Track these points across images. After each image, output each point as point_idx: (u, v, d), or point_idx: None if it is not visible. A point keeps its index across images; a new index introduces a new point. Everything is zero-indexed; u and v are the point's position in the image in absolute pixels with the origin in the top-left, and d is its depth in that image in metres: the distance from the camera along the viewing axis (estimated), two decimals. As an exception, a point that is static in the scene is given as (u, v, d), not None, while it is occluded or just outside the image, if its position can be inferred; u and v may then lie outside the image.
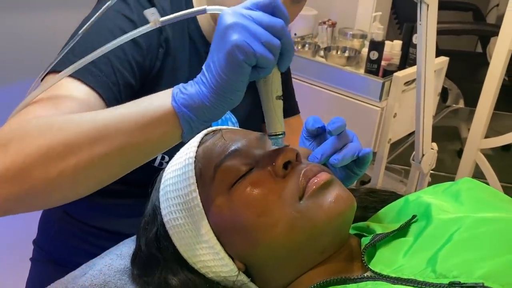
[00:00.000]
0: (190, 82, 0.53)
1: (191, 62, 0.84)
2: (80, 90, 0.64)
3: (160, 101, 0.52)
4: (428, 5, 0.93)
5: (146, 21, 0.55)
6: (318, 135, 0.69)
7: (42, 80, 0.64)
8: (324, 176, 0.55)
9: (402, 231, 0.58)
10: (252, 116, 0.94)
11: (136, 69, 0.73)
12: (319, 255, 0.56)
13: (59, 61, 0.64)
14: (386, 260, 0.54)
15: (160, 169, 0.68)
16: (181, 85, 0.53)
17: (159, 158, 0.81)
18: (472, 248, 0.48)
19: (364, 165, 0.66)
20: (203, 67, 0.52)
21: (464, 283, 0.44)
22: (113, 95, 0.69)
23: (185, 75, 0.83)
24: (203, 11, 0.54)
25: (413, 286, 0.48)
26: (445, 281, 0.45)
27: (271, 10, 0.50)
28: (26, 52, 1.32)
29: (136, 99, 0.55)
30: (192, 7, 0.83)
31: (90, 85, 0.65)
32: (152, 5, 0.78)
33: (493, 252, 0.46)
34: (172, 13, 0.78)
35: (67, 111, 0.61)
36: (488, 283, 0.43)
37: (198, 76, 0.52)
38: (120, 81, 0.70)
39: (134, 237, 0.71)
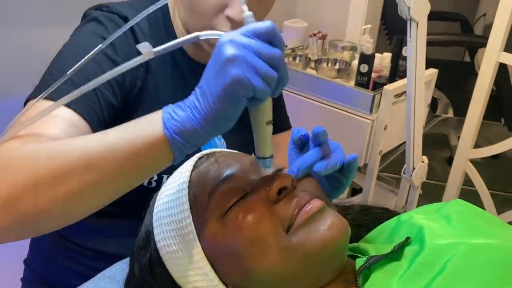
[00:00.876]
0: (180, 105, 0.52)
1: (174, 80, 0.83)
2: (62, 113, 0.64)
3: (150, 127, 0.52)
4: (417, 23, 0.94)
5: (124, 41, 0.54)
6: (304, 145, 0.68)
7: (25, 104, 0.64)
8: (315, 203, 0.55)
9: (395, 254, 0.59)
10: (237, 131, 0.94)
11: (116, 89, 0.73)
12: (316, 283, 0.56)
13: (41, 86, 0.64)
14: (380, 284, 0.55)
15: (149, 188, 0.68)
16: (170, 109, 0.52)
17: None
18: (465, 280, 0.48)
19: (350, 174, 0.66)
20: (197, 89, 0.51)
21: None
22: (96, 115, 0.69)
23: (169, 93, 0.82)
24: (196, 38, 0.53)
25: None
26: None
27: (269, 38, 0.50)
28: (15, 67, 1.32)
29: (124, 123, 0.54)
30: (171, 24, 0.83)
31: (72, 107, 0.65)
32: (133, 33, 0.77)
33: (487, 283, 0.46)
34: (151, 31, 0.79)
35: (54, 132, 0.61)
36: None
37: (191, 99, 0.51)
38: (102, 101, 0.70)
39: (127, 259, 0.71)
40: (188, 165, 0.63)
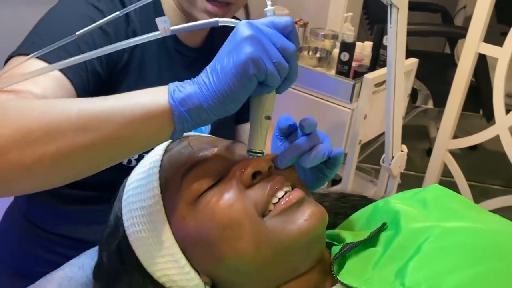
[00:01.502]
0: (188, 81, 0.51)
1: (160, 57, 0.83)
2: (50, 73, 0.63)
3: (155, 96, 0.50)
4: (398, 8, 0.93)
5: (113, 12, 0.53)
6: (290, 134, 0.67)
7: (6, 63, 0.63)
8: (296, 194, 0.54)
9: (371, 240, 0.58)
10: (224, 122, 0.93)
11: (103, 59, 0.72)
12: (292, 271, 0.55)
13: (26, 44, 0.63)
14: (355, 272, 0.54)
15: (128, 167, 0.66)
16: (177, 83, 0.51)
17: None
18: (440, 260, 0.48)
19: (335, 167, 0.65)
20: (207, 68, 0.50)
21: None
22: (82, 81, 0.68)
23: (154, 70, 0.81)
24: (216, 23, 0.53)
25: (382, 300, 0.47)
26: None
27: (286, 32, 0.51)
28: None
29: (120, 93, 0.52)
30: (161, 7, 0.83)
31: (62, 71, 0.64)
32: (123, 4, 0.78)
33: (461, 264, 0.46)
34: (141, 13, 0.78)
35: (43, 90, 0.60)
36: None
37: (200, 76, 0.50)
38: (89, 68, 0.69)
39: (96, 248, 0.68)
40: (159, 149, 0.61)
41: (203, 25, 0.53)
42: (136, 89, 0.52)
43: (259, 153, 0.57)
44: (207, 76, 0.50)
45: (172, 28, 0.51)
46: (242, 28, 0.49)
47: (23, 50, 0.66)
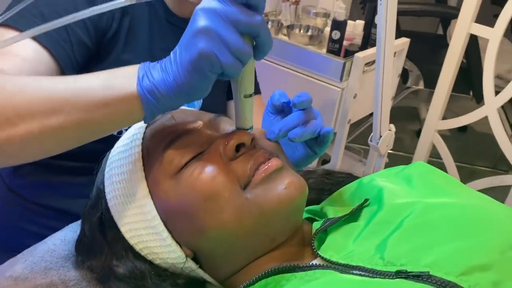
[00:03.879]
0: (157, 65, 0.50)
1: (151, 28, 0.81)
2: (28, 47, 0.61)
3: (124, 81, 0.49)
4: (388, -15, 0.92)
5: None
6: (283, 110, 0.67)
7: None
8: (274, 162, 0.54)
9: (354, 216, 0.58)
10: (215, 95, 0.92)
11: (90, 28, 0.70)
12: (270, 242, 0.55)
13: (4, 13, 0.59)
14: (336, 246, 0.54)
15: (118, 137, 0.65)
16: (147, 67, 0.50)
17: None
18: (421, 235, 0.48)
19: (325, 144, 0.65)
20: (172, 53, 0.49)
21: (410, 272, 0.43)
22: (66, 53, 0.66)
23: (144, 39, 0.80)
24: None
25: (361, 273, 0.47)
26: (393, 269, 0.45)
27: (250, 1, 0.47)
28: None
29: (96, 72, 0.51)
30: None
31: (38, 40, 0.62)
32: None
33: (441, 239, 0.46)
34: None
35: (14, 69, 0.58)
36: (434, 271, 0.42)
37: (165, 62, 0.49)
38: (73, 39, 0.67)
39: (79, 222, 0.68)
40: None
41: None
42: (126, 58, 0.50)
43: (247, 129, 0.57)
44: (170, 64, 0.49)
45: None
46: (197, 17, 0.46)
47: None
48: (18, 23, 0.55)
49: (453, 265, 0.42)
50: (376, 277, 0.46)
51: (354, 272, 0.48)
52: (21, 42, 0.59)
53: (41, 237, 0.71)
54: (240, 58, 0.48)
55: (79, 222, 0.71)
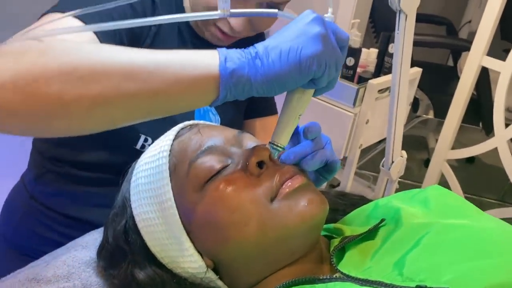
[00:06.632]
0: (238, 51, 0.51)
1: (179, 47, 0.83)
2: (86, 33, 0.63)
3: (205, 59, 0.50)
4: (406, 15, 0.95)
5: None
6: (292, 135, 0.69)
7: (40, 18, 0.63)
8: (299, 179, 0.56)
9: (370, 234, 0.59)
10: (235, 114, 0.95)
11: (130, 34, 0.73)
12: (289, 256, 0.57)
13: (62, 4, 0.62)
14: (354, 262, 0.55)
15: (141, 152, 0.67)
16: (226, 51, 0.51)
17: (141, 140, 0.79)
18: (440, 253, 0.49)
19: (332, 172, 0.67)
20: (265, 44, 0.51)
21: (431, 287, 0.45)
22: None
23: None
24: (274, 14, 0.55)
25: (380, 287, 0.48)
26: (412, 284, 0.46)
27: (341, 44, 0.53)
28: None
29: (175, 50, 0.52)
30: (182, 3, 0.85)
31: (96, 33, 0.64)
32: None
33: (461, 258, 0.47)
34: (162, 6, 0.80)
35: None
36: None
37: (253, 51, 0.51)
38: (117, 37, 0.70)
39: (101, 229, 0.70)
40: (170, 134, 0.63)
41: (261, 14, 0.56)
42: None
43: (280, 147, 0.58)
44: (265, 53, 0.50)
45: (231, 10, 0.52)
46: (315, 21, 0.50)
47: (59, 8, 0.65)
48: (84, 16, 0.58)
49: (474, 282, 0.43)
50: None
51: (374, 286, 0.49)
52: (82, 32, 0.62)
53: (59, 244, 0.72)
54: (330, 74, 0.52)
55: (99, 229, 0.73)
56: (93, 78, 0.46)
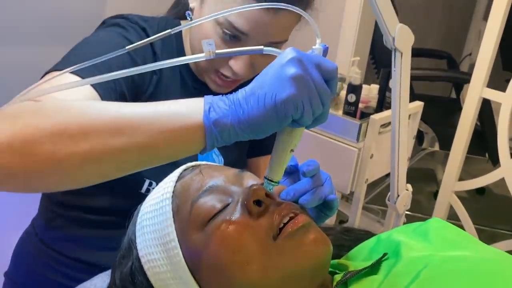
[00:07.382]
0: (223, 98, 0.52)
1: (182, 93, 0.86)
2: (84, 88, 0.65)
3: (191, 111, 0.52)
4: (402, 53, 0.98)
5: (143, 47, 0.55)
6: (292, 173, 0.70)
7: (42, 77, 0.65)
8: (302, 218, 0.56)
9: (373, 269, 0.60)
10: (238, 153, 0.96)
11: (131, 84, 0.76)
12: None
13: (62, 62, 0.65)
14: (356, 298, 0.56)
15: (146, 195, 0.68)
16: (212, 99, 0.52)
17: (146, 184, 0.81)
18: (438, 285, 0.49)
19: (332, 209, 0.68)
20: (246, 91, 0.52)
21: None
22: (111, 101, 0.70)
23: None
24: (260, 51, 0.55)
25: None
26: None
27: (329, 77, 0.52)
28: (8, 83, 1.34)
29: (161, 101, 0.54)
30: (182, 45, 0.88)
31: (94, 87, 0.67)
32: (147, 35, 0.82)
33: None
34: (163, 46, 0.83)
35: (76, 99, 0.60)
36: None
37: (236, 97, 0.52)
38: (118, 89, 0.72)
39: (109, 271, 0.71)
40: (173, 176, 0.64)
41: (247, 52, 0.55)
42: None
43: (274, 182, 0.60)
44: (244, 100, 0.51)
45: (216, 51, 0.53)
46: (294, 64, 0.50)
47: (59, 66, 0.68)
48: (78, 71, 0.59)
49: None
50: None
51: None
52: (81, 88, 0.65)
53: (67, 287, 0.74)
54: (315, 112, 0.51)
55: (107, 272, 0.74)
56: (83, 135, 0.49)
